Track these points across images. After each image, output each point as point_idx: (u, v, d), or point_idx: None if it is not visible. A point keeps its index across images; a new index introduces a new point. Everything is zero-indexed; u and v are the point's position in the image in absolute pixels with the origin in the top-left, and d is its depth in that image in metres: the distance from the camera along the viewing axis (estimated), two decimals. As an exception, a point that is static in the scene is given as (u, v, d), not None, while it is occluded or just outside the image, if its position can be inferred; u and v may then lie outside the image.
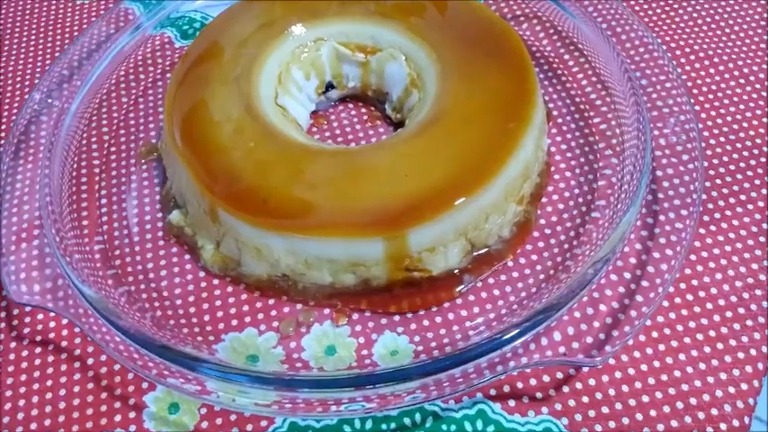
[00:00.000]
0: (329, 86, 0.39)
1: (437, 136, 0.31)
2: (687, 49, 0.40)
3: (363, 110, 0.39)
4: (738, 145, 0.36)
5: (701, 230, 0.32)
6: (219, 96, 0.34)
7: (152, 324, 0.30)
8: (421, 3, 0.38)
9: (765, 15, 0.42)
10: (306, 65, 0.37)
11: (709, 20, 0.42)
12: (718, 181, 0.34)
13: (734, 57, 0.40)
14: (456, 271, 0.31)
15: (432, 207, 0.29)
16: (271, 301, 0.31)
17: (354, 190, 0.30)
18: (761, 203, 0.33)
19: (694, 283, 0.31)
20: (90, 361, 0.31)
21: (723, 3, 0.43)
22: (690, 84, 0.39)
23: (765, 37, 0.41)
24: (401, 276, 0.30)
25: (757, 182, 0.34)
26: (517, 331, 0.26)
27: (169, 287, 0.33)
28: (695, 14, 0.42)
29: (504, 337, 0.26)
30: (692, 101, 0.38)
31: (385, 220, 0.29)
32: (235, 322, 0.31)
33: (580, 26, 0.39)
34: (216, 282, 0.32)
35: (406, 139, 0.32)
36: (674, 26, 0.42)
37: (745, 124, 0.36)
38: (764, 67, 0.39)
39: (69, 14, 0.48)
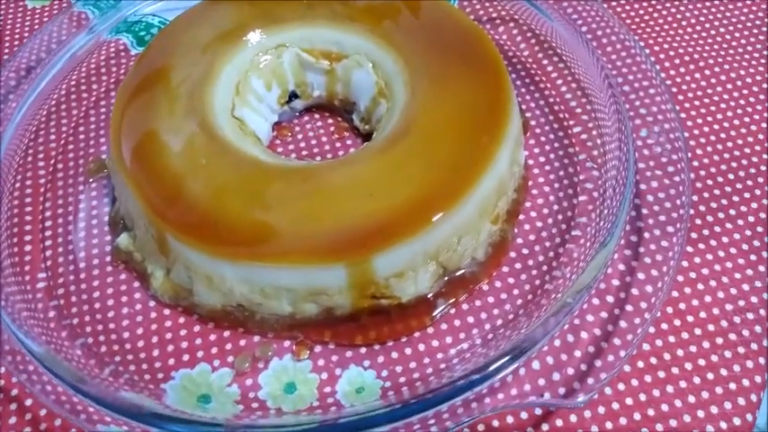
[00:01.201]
0: (293, 96, 0.36)
1: (405, 151, 0.29)
2: (672, 53, 0.38)
3: (330, 120, 0.37)
4: (726, 156, 0.34)
5: (689, 249, 0.30)
6: (171, 110, 0.31)
7: (95, 363, 0.27)
8: (389, 4, 0.35)
9: (752, 17, 0.40)
10: (266, 73, 0.35)
11: (693, 21, 0.40)
12: (706, 194, 0.32)
13: (720, 60, 0.38)
14: (429, 296, 0.29)
15: (398, 230, 0.27)
16: (226, 334, 0.29)
17: (314, 212, 0.27)
18: (751, 219, 0.31)
19: (682, 306, 0.29)
20: (28, 402, 0.28)
21: (708, 3, 0.41)
22: (675, 89, 0.37)
23: (753, 39, 0.39)
24: (367, 304, 0.28)
25: (747, 195, 0.32)
26: (493, 367, 0.24)
27: (116, 319, 0.30)
28: (679, 16, 0.40)
29: (479, 377, 0.23)
30: (677, 108, 0.36)
31: (347, 244, 0.26)
32: (186, 357, 0.28)
33: (558, 29, 0.37)
34: (167, 312, 0.30)
35: (372, 155, 0.29)
36: (657, 28, 0.40)
37: (733, 133, 0.34)
38: (752, 71, 0.37)
39: (19, 18, 0.45)
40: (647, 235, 0.30)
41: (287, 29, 0.35)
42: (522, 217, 0.32)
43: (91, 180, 0.35)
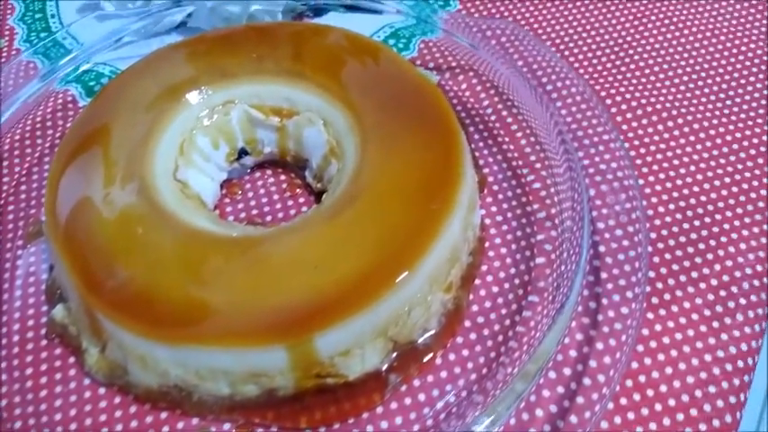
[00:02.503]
0: (242, 153, 0.35)
1: (352, 219, 0.28)
2: (634, 103, 0.37)
3: (283, 176, 0.36)
4: (689, 213, 0.32)
5: (649, 315, 0.29)
6: (109, 173, 0.30)
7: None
8: (341, 59, 0.34)
9: (715, 65, 0.39)
10: (213, 131, 0.33)
11: (652, 65, 0.39)
12: (668, 255, 0.31)
13: (676, 111, 0.37)
14: (378, 371, 0.28)
15: (342, 307, 0.25)
16: (163, 415, 0.27)
17: (254, 287, 0.26)
18: (714, 282, 0.30)
19: (642, 379, 0.27)
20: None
21: (672, 50, 0.40)
22: (636, 142, 0.36)
23: (715, 88, 0.38)
24: (312, 384, 0.26)
25: (710, 256, 0.31)
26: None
27: (48, 398, 0.28)
28: (642, 64, 0.40)
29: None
30: (634, 159, 0.35)
31: (287, 324, 0.25)
32: (120, 442, 0.27)
33: (513, 81, 0.36)
34: (102, 391, 0.28)
35: (318, 223, 0.28)
36: (619, 77, 0.39)
37: (696, 188, 0.33)
38: (706, 124, 0.36)
39: (-33, 67, 0.44)
40: (605, 301, 0.29)
41: (235, 84, 0.34)
42: (477, 281, 0.30)
43: (29, 245, 0.33)
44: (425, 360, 0.28)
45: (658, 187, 0.34)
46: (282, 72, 0.34)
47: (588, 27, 0.42)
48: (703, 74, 0.39)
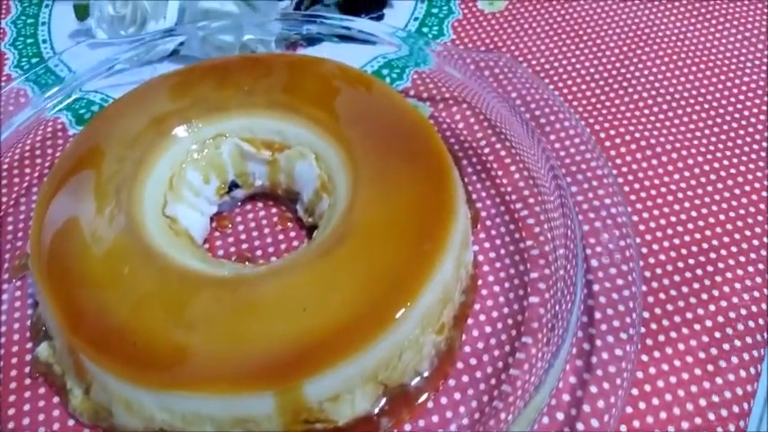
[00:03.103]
0: (233, 186, 0.34)
1: (343, 258, 0.27)
2: (627, 137, 0.37)
3: (274, 209, 0.35)
4: (683, 251, 0.32)
5: (644, 357, 0.29)
6: (97, 208, 0.30)
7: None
8: (332, 92, 0.34)
9: (701, 100, 0.39)
10: (203, 165, 0.33)
11: (641, 104, 0.39)
12: (662, 295, 0.31)
13: (670, 147, 0.37)
14: (373, 415, 0.27)
15: (331, 352, 0.25)
16: (148, 460, 0.27)
17: (240, 331, 0.25)
18: (708, 323, 0.30)
19: (636, 424, 0.27)
20: None
21: (662, 89, 0.40)
22: (631, 177, 0.35)
23: (700, 124, 0.38)
24: (300, 429, 0.26)
25: (704, 296, 0.30)
26: None
27: (31, 441, 0.28)
28: (629, 101, 0.40)
29: None
30: (627, 195, 0.34)
31: (274, 369, 0.24)
32: (103, 489, 0.26)
33: (505, 115, 0.36)
34: (86, 434, 0.28)
35: (307, 262, 0.28)
36: (612, 110, 0.39)
37: (690, 225, 0.33)
38: (700, 159, 0.36)
39: (-43, 93, 0.43)
40: (599, 342, 0.28)
41: (226, 118, 0.34)
42: (470, 321, 0.30)
43: (15, 279, 0.33)
44: (417, 404, 0.27)
45: (652, 224, 0.33)
46: (274, 105, 0.34)
47: (582, 58, 0.42)
48: (697, 107, 0.39)
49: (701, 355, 0.29)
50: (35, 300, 0.32)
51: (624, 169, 0.36)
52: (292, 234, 0.34)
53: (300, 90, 0.34)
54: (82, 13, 0.45)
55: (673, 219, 0.34)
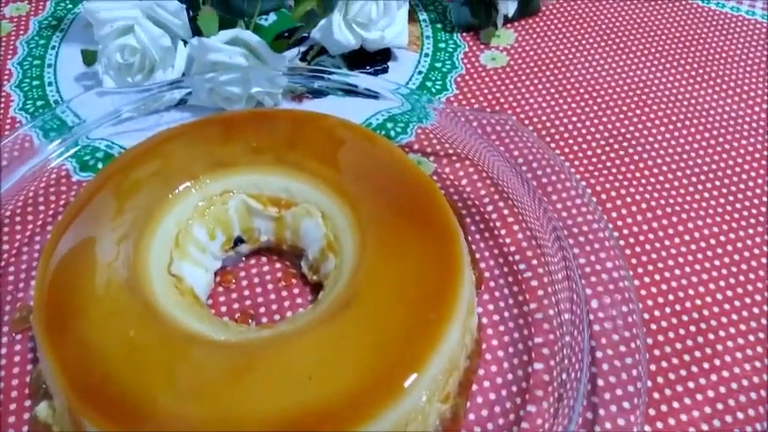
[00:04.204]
0: (238, 241, 0.34)
1: (348, 325, 0.27)
2: (629, 199, 0.38)
3: (278, 265, 0.35)
4: (685, 317, 0.32)
5: (647, 429, 0.29)
6: (102, 265, 0.29)
7: None
8: (338, 151, 0.34)
9: (708, 160, 0.40)
10: (210, 221, 0.33)
11: (642, 166, 0.40)
12: (664, 363, 0.31)
13: (670, 210, 0.37)
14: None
15: (336, 424, 0.25)
16: None
17: (245, 399, 0.25)
18: (710, 393, 0.30)
19: (641, 499, 0.27)
20: None
21: (662, 152, 0.41)
22: (632, 239, 0.36)
23: (709, 186, 0.39)
24: (303, 499, 0.26)
25: (706, 365, 0.31)
26: None
27: (26, 506, 0.27)
28: (637, 158, 0.40)
29: None
30: (628, 258, 0.35)
31: (279, 442, 0.24)
32: None
33: (508, 174, 0.36)
34: (84, 500, 0.27)
35: (314, 327, 0.28)
36: (614, 171, 0.40)
37: (691, 291, 0.34)
38: (700, 223, 0.37)
39: (-40, 134, 0.43)
40: (602, 412, 0.28)
41: (233, 174, 0.34)
42: (475, 387, 0.30)
43: (14, 333, 0.32)
44: (420, 473, 0.27)
45: (653, 289, 0.34)
46: (281, 162, 0.34)
47: (584, 117, 0.43)
48: (696, 169, 0.40)
49: (704, 427, 0.29)
50: (35, 355, 0.31)
51: (625, 231, 0.36)
52: (296, 291, 0.34)
53: (307, 147, 0.35)
54: (89, 58, 0.45)
55: (674, 284, 0.34)
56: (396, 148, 0.35)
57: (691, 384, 0.30)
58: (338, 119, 0.37)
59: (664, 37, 0.49)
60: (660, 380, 0.30)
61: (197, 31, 0.42)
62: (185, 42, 0.42)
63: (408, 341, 0.27)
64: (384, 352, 0.26)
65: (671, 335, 0.32)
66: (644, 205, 0.37)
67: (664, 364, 0.31)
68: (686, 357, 0.31)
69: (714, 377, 0.30)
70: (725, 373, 0.30)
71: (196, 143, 0.35)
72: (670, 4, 0.52)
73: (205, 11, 0.40)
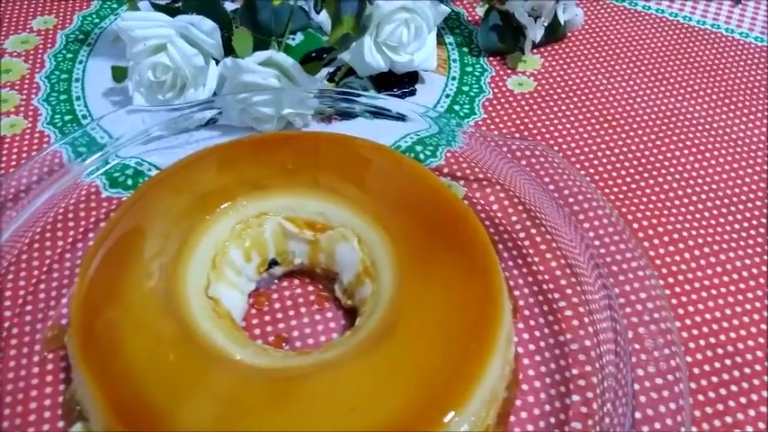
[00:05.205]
0: (272, 263, 0.34)
1: (390, 356, 0.27)
2: (660, 229, 0.38)
3: (310, 288, 0.35)
4: (728, 362, 0.32)
5: (687, 464, 0.29)
6: (138, 286, 0.29)
7: None
8: (375, 175, 0.35)
9: (746, 190, 0.40)
10: (246, 244, 0.33)
11: (680, 193, 0.40)
12: (701, 397, 0.31)
13: (713, 247, 0.38)
14: None
15: (381, 457, 0.24)
16: None
17: (285, 427, 0.25)
18: (749, 429, 0.30)
19: None
20: None
21: (700, 180, 0.41)
22: (665, 269, 0.36)
23: (748, 215, 0.39)
24: None
25: (743, 400, 0.31)
26: None
27: None
28: (672, 194, 0.40)
29: None
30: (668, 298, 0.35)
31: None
32: None
33: (540, 200, 0.36)
34: None
35: (355, 356, 0.27)
36: (644, 205, 0.40)
37: (732, 334, 0.33)
38: (749, 251, 0.37)
39: (-12, 147, 0.43)
40: (643, 446, 0.28)
41: (270, 196, 0.34)
42: (512, 418, 0.30)
43: (46, 352, 0.32)
44: (460, 505, 0.27)
45: (688, 321, 0.34)
46: (316, 186, 0.34)
47: (612, 145, 0.43)
48: (726, 200, 0.40)
49: (744, 463, 0.29)
50: (68, 375, 0.31)
51: (657, 262, 0.36)
52: (329, 315, 0.34)
53: (342, 170, 0.35)
54: (119, 74, 0.45)
55: (707, 316, 0.34)
56: (429, 173, 0.36)
57: (728, 419, 0.30)
58: (372, 142, 0.37)
59: (689, 65, 0.50)
60: (698, 413, 0.30)
61: (229, 51, 0.42)
62: (217, 62, 0.42)
63: (451, 374, 0.27)
64: (427, 384, 0.26)
65: (706, 368, 0.32)
66: (675, 236, 0.38)
67: (700, 397, 0.31)
68: (722, 391, 0.31)
69: (752, 412, 0.30)
70: (762, 409, 0.30)
71: (232, 165, 0.35)
72: (695, 33, 0.53)
73: (240, 31, 0.41)
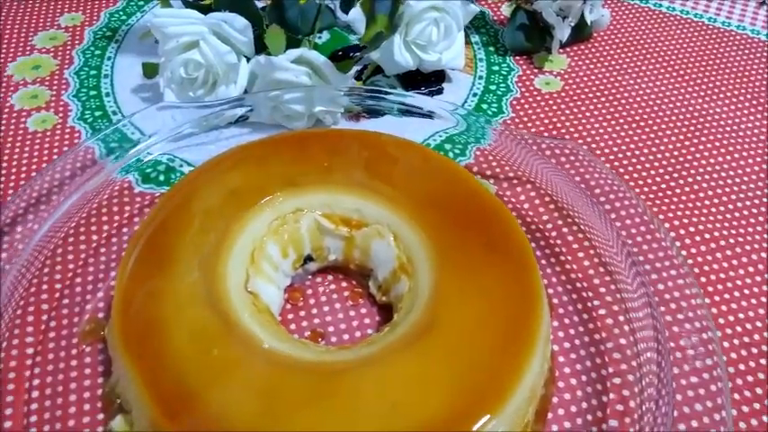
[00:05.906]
0: (308, 259, 0.35)
1: (431, 353, 0.27)
2: (692, 229, 0.38)
3: (344, 284, 0.35)
4: (754, 350, 0.32)
5: (726, 462, 0.29)
6: (181, 283, 0.30)
7: None
8: (411, 172, 0.35)
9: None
10: (283, 239, 0.33)
11: (711, 194, 0.40)
12: (736, 396, 0.31)
13: (739, 240, 0.38)
14: None
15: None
16: None
17: (330, 423, 0.25)
18: (786, 429, 0.30)
19: None
20: None
21: (730, 181, 0.41)
22: (696, 270, 0.36)
23: (764, 218, 0.39)
24: None
25: (780, 399, 0.31)
26: None
27: None
28: (702, 195, 0.40)
29: None
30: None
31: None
32: None
33: (572, 197, 0.36)
34: None
35: (394, 352, 0.28)
36: (674, 204, 0.40)
37: (759, 323, 0.34)
38: (765, 254, 0.37)
39: (19, 141, 0.43)
40: (681, 444, 0.28)
41: (306, 193, 0.34)
42: (549, 415, 0.30)
43: (84, 345, 0.32)
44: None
45: (721, 320, 0.34)
46: (352, 183, 0.34)
47: (641, 145, 0.43)
48: (757, 201, 0.40)
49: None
50: (105, 368, 0.31)
51: (690, 261, 0.36)
52: (363, 311, 0.34)
53: (378, 168, 0.35)
54: (150, 71, 0.45)
55: (741, 315, 0.34)
56: (462, 170, 0.36)
57: (765, 418, 0.30)
58: (403, 139, 0.37)
59: (715, 66, 0.50)
60: (734, 412, 0.30)
61: (260, 48, 0.42)
62: (248, 59, 0.43)
63: (492, 372, 0.27)
64: (469, 381, 0.26)
65: (741, 367, 0.32)
66: (707, 235, 0.38)
67: (736, 396, 0.31)
68: (758, 390, 0.31)
69: (788, 411, 0.30)
70: (801, 409, 0.30)
71: (269, 161, 0.35)
72: (720, 34, 0.53)
73: (273, 29, 0.41)
